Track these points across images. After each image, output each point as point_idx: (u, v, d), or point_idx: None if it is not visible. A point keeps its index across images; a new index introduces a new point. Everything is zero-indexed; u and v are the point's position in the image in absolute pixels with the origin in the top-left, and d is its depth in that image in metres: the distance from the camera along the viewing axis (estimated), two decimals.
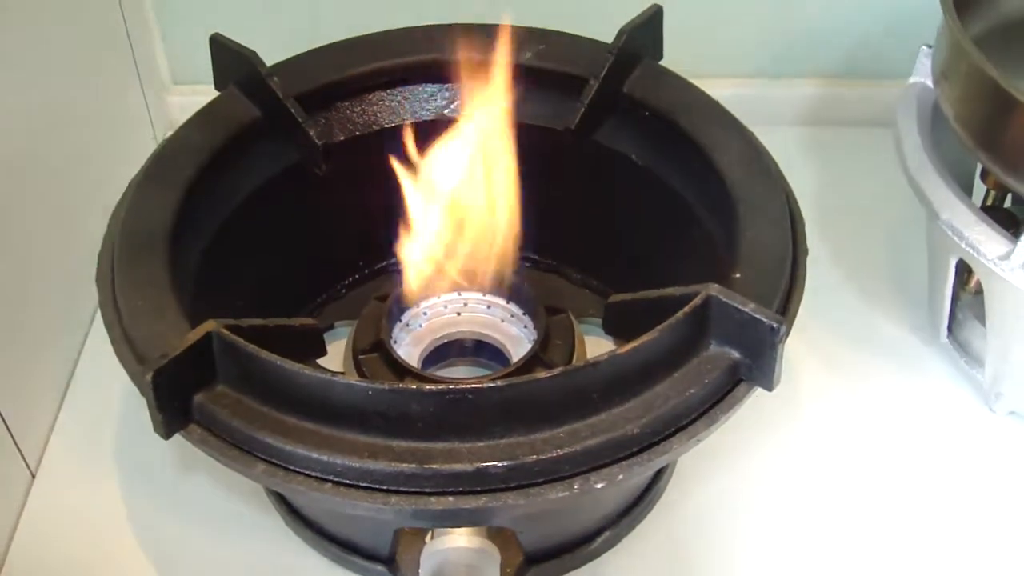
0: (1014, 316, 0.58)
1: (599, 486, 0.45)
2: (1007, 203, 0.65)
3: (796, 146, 0.81)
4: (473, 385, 0.46)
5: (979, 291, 0.61)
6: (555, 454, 0.45)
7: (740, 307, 0.47)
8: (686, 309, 0.47)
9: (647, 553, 0.58)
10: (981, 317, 0.61)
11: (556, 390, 0.46)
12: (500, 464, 0.45)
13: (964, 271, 0.62)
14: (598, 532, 0.57)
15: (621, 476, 0.46)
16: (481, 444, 0.45)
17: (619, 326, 0.56)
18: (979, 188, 0.65)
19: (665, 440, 0.47)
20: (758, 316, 0.46)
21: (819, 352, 0.67)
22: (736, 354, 0.48)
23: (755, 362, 0.48)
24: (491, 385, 0.46)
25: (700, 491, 0.61)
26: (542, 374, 0.46)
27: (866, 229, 0.75)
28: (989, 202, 0.65)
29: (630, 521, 0.58)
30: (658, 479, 0.59)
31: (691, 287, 0.49)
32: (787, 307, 0.52)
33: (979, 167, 0.62)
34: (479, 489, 0.45)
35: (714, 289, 0.48)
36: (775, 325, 0.46)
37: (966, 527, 0.59)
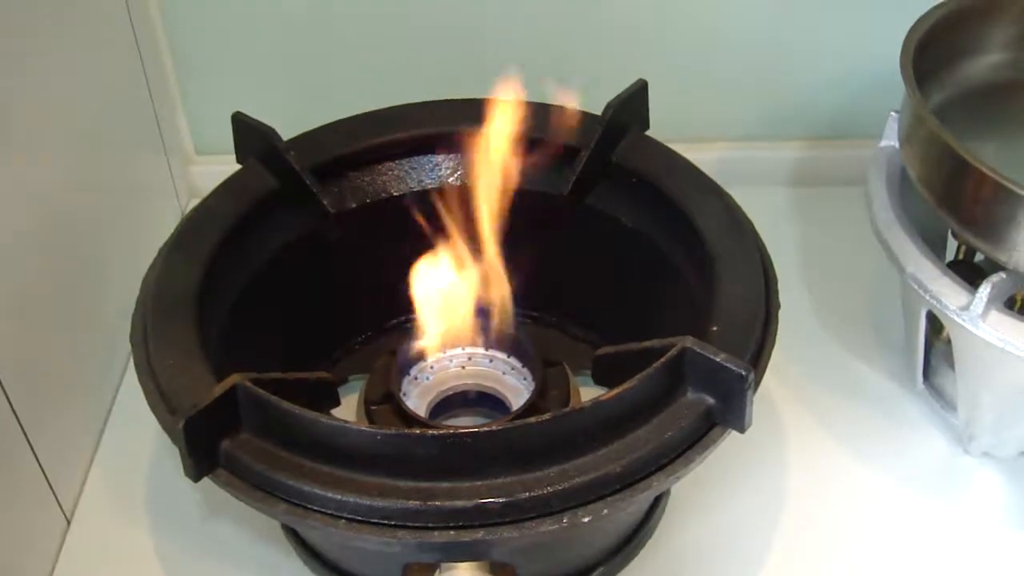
0: (979, 363, 0.60)
1: (585, 520, 0.48)
2: (978, 257, 0.66)
3: (781, 205, 0.83)
4: (471, 429, 0.49)
5: (950, 340, 0.62)
6: (546, 491, 0.48)
7: (712, 357, 0.50)
8: (663, 359, 0.50)
9: None
10: (953, 364, 0.62)
11: (546, 434, 0.49)
12: (496, 501, 0.48)
13: (937, 321, 0.63)
14: (593, 567, 0.59)
15: (606, 511, 0.49)
16: (479, 483, 0.48)
17: (607, 376, 0.57)
18: (952, 243, 0.67)
19: (645, 479, 0.50)
20: (728, 365, 0.50)
21: (803, 398, 0.69)
22: (710, 400, 0.51)
23: (727, 407, 0.51)
24: (487, 430, 0.49)
25: (690, 528, 0.62)
26: (533, 419, 0.49)
27: (848, 282, 0.77)
28: (960, 256, 0.67)
29: (624, 557, 0.60)
30: (650, 517, 0.61)
31: (669, 339, 0.51)
32: (759, 357, 0.54)
33: None
34: (478, 524, 0.48)
35: (689, 341, 0.51)
36: (744, 373, 0.49)
37: (944, 560, 0.61)
